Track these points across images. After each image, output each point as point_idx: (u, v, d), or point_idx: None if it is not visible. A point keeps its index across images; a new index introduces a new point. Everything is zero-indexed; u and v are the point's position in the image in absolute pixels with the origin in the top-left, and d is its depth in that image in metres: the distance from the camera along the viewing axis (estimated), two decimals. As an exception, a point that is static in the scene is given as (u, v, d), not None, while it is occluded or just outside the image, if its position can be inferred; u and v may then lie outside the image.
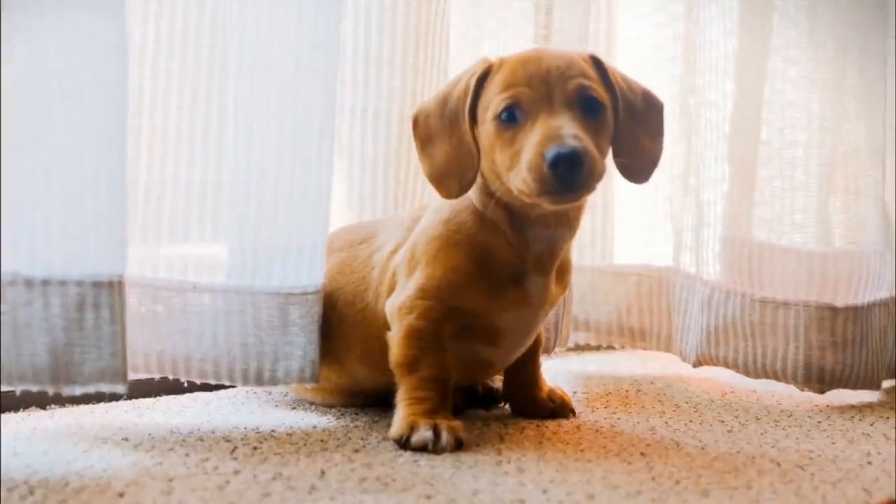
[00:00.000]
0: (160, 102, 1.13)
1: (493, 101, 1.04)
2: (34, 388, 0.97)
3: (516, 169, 1.00)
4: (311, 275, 1.13)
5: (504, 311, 1.09)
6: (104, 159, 0.98)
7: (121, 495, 0.85)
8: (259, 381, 1.13)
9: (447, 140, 1.08)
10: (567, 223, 1.10)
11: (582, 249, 1.54)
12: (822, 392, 1.37)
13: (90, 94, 0.98)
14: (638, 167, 1.10)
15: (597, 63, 1.08)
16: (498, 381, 1.28)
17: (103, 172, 0.98)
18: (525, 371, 1.21)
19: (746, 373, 1.40)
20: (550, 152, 0.96)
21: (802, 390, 1.38)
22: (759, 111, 1.41)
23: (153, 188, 1.13)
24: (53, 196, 0.97)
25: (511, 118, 1.02)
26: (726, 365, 1.41)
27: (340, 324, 1.16)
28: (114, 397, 1.22)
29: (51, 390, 0.97)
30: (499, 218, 1.08)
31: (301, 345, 1.13)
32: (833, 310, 1.36)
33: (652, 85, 1.52)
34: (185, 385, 1.25)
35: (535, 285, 1.09)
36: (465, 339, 1.10)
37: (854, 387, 1.37)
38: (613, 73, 1.09)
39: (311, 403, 1.26)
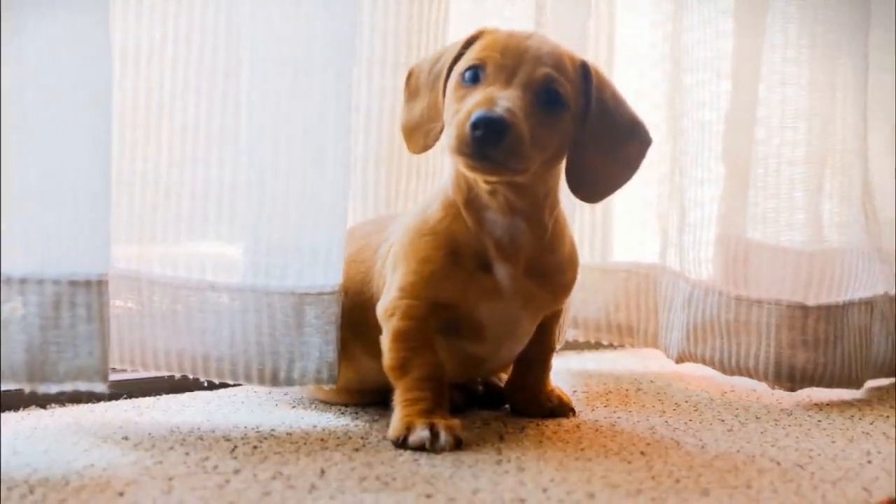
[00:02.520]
0: (178, 102, 1.13)
1: (464, 60, 1.05)
2: (11, 387, 0.97)
3: (451, 125, 1.01)
4: (327, 275, 1.13)
5: (479, 302, 1.09)
6: (86, 159, 0.98)
7: (121, 494, 0.85)
8: (275, 381, 1.13)
9: (427, 96, 1.10)
10: (522, 215, 1.08)
11: (580, 247, 1.53)
12: (792, 390, 1.37)
13: (72, 94, 0.97)
14: (589, 185, 1.10)
15: (584, 70, 1.07)
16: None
17: (84, 173, 0.98)
18: (531, 372, 1.21)
19: (722, 370, 1.41)
20: (475, 114, 0.97)
21: (773, 388, 1.39)
22: (751, 111, 1.42)
23: (172, 187, 1.13)
24: (32, 195, 0.96)
25: (473, 79, 1.03)
26: (704, 362, 1.42)
27: (351, 311, 1.16)
28: (113, 396, 1.22)
29: (27, 388, 0.97)
30: (460, 200, 1.09)
31: (317, 345, 1.13)
32: (804, 308, 1.36)
33: (648, 82, 1.54)
34: (186, 384, 1.25)
35: (503, 275, 1.09)
36: (452, 336, 1.11)
37: (829, 385, 1.37)
38: (602, 85, 1.08)
39: (315, 401, 1.25)
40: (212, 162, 1.14)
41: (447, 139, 1.01)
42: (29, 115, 0.96)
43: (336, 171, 1.13)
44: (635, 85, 1.57)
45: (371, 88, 1.33)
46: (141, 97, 1.13)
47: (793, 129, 1.41)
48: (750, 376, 1.39)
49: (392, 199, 1.37)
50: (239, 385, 1.25)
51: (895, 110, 1.53)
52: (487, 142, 0.97)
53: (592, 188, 1.11)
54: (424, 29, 1.36)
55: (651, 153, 1.53)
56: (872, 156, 1.51)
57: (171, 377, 1.18)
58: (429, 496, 0.87)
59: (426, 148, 1.11)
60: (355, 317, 1.16)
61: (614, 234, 1.61)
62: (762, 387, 1.44)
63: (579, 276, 1.18)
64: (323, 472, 0.94)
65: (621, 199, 1.60)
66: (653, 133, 1.53)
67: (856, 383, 1.40)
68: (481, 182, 1.05)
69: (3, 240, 0.95)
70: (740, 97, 1.42)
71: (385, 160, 1.36)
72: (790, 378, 1.36)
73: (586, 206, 1.55)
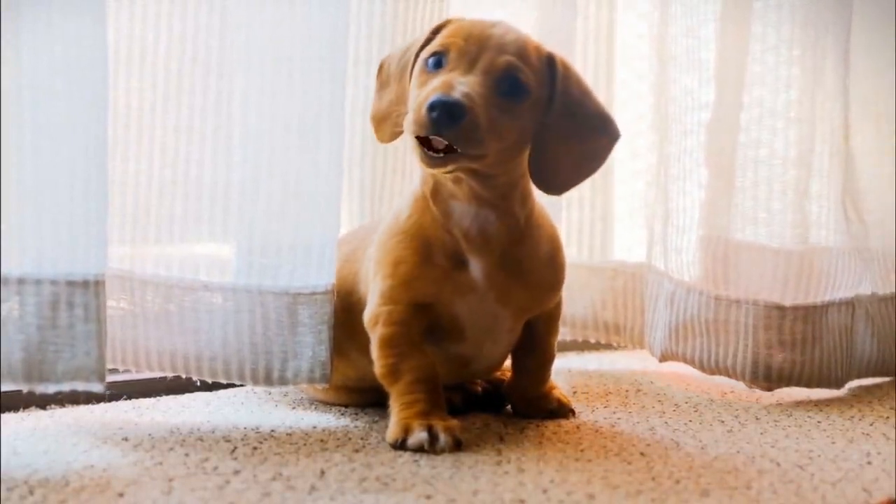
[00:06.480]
0: (172, 103, 1.13)
1: (429, 47, 1.05)
2: (8, 387, 0.97)
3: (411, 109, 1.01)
4: (320, 275, 1.14)
5: (454, 298, 1.08)
6: (82, 160, 0.98)
7: (121, 495, 0.85)
8: (268, 380, 1.14)
9: (396, 85, 1.10)
10: (490, 205, 1.07)
11: (569, 246, 1.54)
12: (769, 390, 1.39)
13: (68, 95, 0.97)
14: (550, 176, 1.08)
15: (549, 61, 1.07)
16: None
17: (81, 173, 0.98)
18: (530, 374, 1.20)
19: (702, 369, 1.42)
20: (432, 97, 0.97)
21: (751, 388, 1.40)
22: (735, 113, 1.42)
23: (165, 187, 1.14)
24: (29, 196, 0.97)
25: (436, 65, 1.03)
26: (685, 361, 1.44)
27: (343, 312, 1.16)
28: (113, 397, 1.22)
29: (24, 388, 0.97)
30: (427, 190, 1.09)
31: (310, 345, 1.13)
32: (781, 308, 1.37)
33: (647, 85, 1.54)
34: (186, 384, 1.25)
35: (476, 269, 1.08)
36: (435, 340, 1.11)
37: (808, 385, 1.39)
38: (568, 77, 1.08)
39: (316, 401, 1.25)
40: (205, 162, 1.14)
41: (406, 125, 1.00)
42: (26, 116, 0.96)
43: (329, 171, 1.14)
44: (634, 87, 1.57)
45: (358, 87, 1.33)
46: (134, 97, 1.13)
47: (771, 129, 1.41)
48: (728, 375, 1.40)
49: (377, 198, 1.37)
50: (237, 385, 1.25)
51: (893, 112, 1.53)
52: (443, 124, 0.96)
53: (553, 179, 1.09)
54: (410, 30, 1.36)
55: (647, 157, 1.55)
56: (861, 157, 1.52)
57: (171, 378, 1.18)
58: (428, 497, 0.87)
59: (394, 136, 1.11)
60: (348, 318, 1.16)
61: (613, 234, 1.61)
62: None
63: (566, 276, 1.17)
64: (323, 472, 0.94)
65: (620, 200, 1.60)
66: (646, 136, 1.55)
67: (836, 383, 1.41)
68: (441, 170, 1.04)
69: (0, 240, 0.95)
70: (724, 99, 1.43)
71: (371, 158, 1.36)
72: (767, 378, 1.38)
73: (574, 203, 1.56)
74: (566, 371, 1.52)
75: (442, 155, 0.99)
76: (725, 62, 1.43)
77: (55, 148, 0.97)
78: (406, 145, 1.14)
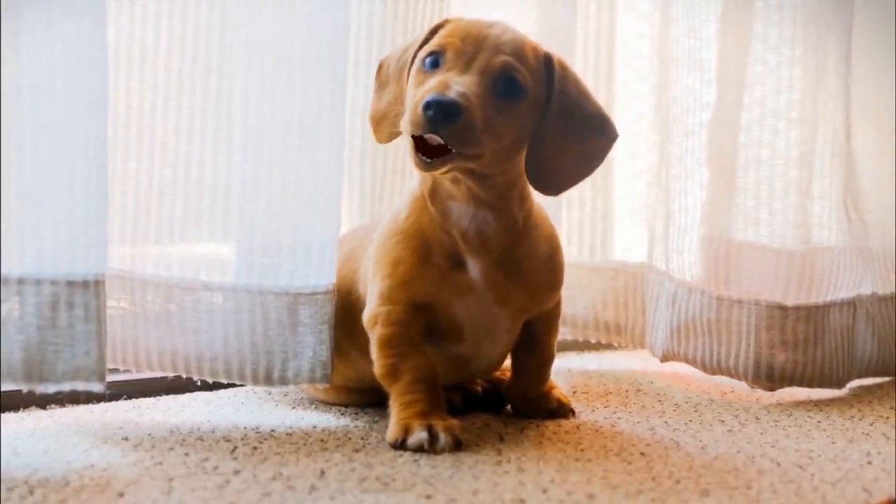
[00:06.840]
0: (173, 103, 1.13)
1: (426, 47, 1.05)
2: (9, 387, 0.97)
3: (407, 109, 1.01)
4: (321, 275, 1.14)
5: (453, 298, 1.08)
6: (83, 160, 0.99)
7: (121, 495, 0.85)
8: (269, 380, 1.14)
9: (394, 86, 1.10)
10: (488, 206, 1.07)
11: (569, 246, 1.54)
12: (771, 390, 1.39)
13: (69, 95, 0.97)
14: (548, 177, 1.08)
15: (547, 61, 1.07)
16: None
17: (81, 173, 0.98)
18: (530, 374, 1.20)
19: (704, 369, 1.42)
20: (428, 96, 0.97)
21: (752, 388, 1.40)
22: (736, 113, 1.43)
23: (166, 187, 1.14)
24: (30, 196, 0.97)
25: (433, 65, 1.03)
26: (687, 361, 1.44)
27: (342, 311, 1.16)
28: (113, 397, 1.22)
29: (24, 388, 0.97)
30: (425, 190, 1.09)
31: (311, 345, 1.14)
32: (783, 309, 1.38)
33: (648, 85, 1.54)
34: (186, 384, 1.25)
35: (474, 270, 1.08)
36: (434, 340, 1.11)
37: (809, 385, 1.39)
38: (565, 78, 1.08)
39: (316, 402, 1.25)
40: (205, 162, 1.14)
41: (402, 123, 1.01)
42: (26, 116, 0.96)
43: (330, 171, 1.14)
44: (635, 87, 1.57)
45: (357, 87, 1.33)
46: (134, 98, 1.13)
47: (773, 129, 1.42)
48: (730, 375, 1.40)
49: (377, 198, 1.37)
50: (238, 385, 1.25)
51: (893, 112, 1.53)
52: (438, 122, 0.96)
53: (550, 180, 1.09)
54: (410, 29, 1.36)
55: (647, 157, 1.55)
56: (862, 157, 1.52)
57: (171, 378, 1.18)
58: (429, 497, 0.87)
59: (393, 136, 1.11)
60: (347, 317, 1.16)
61: (614, 234, 1.61)
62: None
63: (567, 274, 1.17)
64: (323, 472, 0.94)
65: (620, 200, 1.60)
66: (647, 136, 1.55)
67: (837, 383, 1.41)
68: (436, 172, 1.03)
69: (1, 240, 0.95)
70: (726, 99, 1.43)
71: (370, 157, 1.36)
72: (769, 377, 1.38)
73: (574, 203, 1.56)
74: (566, 371, 1.52)
75: (435, 159, 0.99)
76: (727, 62, 1.43)
77: (55, 148, 0.97)
78: (406, 145, 1.14)
